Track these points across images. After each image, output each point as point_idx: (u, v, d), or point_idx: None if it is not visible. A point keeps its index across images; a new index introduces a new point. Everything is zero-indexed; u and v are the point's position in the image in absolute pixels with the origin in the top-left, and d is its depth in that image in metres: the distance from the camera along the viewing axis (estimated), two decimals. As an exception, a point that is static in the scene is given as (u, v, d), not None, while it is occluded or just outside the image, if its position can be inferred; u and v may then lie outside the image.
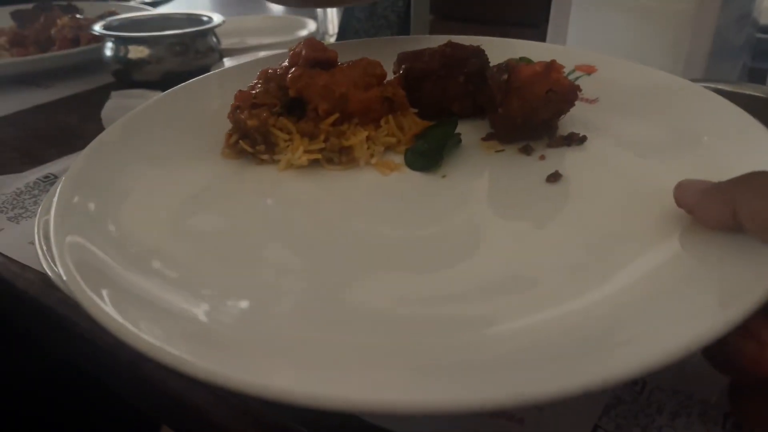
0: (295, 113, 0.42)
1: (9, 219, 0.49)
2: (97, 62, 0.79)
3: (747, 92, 0.46)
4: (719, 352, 0.26)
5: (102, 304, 0.26)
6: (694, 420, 0.29)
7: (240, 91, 0.42)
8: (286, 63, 0.44)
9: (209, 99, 0.48)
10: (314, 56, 0.43)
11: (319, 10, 0.93)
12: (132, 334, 0.25)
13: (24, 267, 0.43)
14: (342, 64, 0.43)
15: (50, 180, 0.55)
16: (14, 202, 0.52)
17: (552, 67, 0.41)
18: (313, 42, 0.44)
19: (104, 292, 0.27)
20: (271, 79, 0.43)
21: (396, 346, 0.26)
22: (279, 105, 0.42)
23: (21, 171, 0.57)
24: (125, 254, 0.31)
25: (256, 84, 0.43)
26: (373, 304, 0.29)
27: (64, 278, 0.28)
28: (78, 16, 0.93)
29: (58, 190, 0.35)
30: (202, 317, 0.28)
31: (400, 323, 0.27)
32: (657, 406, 0.30)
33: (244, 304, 0.29)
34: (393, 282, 0.31)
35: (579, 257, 0.31)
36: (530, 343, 0.25)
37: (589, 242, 0.32)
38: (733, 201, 0.27)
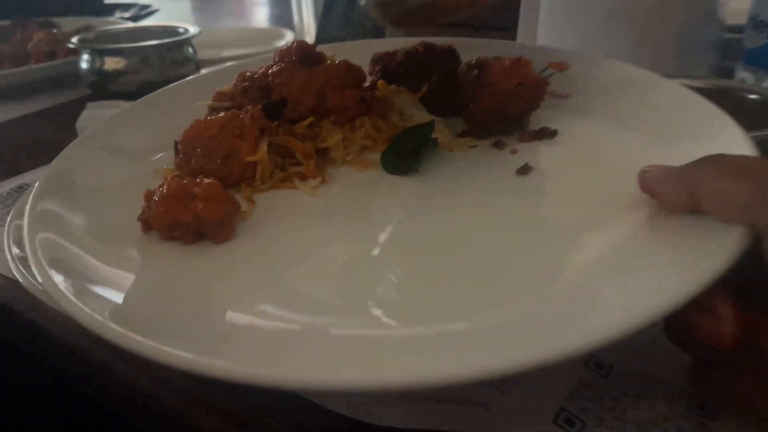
0: (273, 116, 0.42)
1: (-19, 229, 0.49)
2: (74, 75, 0.79)
3: (707, 86, 0.47)
4: (679, 329, 0.26)
5: (71, 296, 0.27)
6: (658, 401, 0.29)
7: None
8: (264, 66, 0.44)
9: (182, 104, 0.48)
10: (306, 48, 0.44)
11: (296, 19, 0.94)
12: (98, 323, 0.26)
13: (-5, 275, 0.43)
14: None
15: (24, 189, 0.55)
16: (-13, 212, 0.51)
17: (520, 62, 0.41)
18: (304, 41, 0.45)
19: (74, 285, 0.28)
20: (250, 80, 0.43)
21: (382, 328, 0.27)
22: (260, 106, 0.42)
23: (-5, 182, 0.56)
24: (96, 250, 0.32)
25: (236, 85, 0.44)
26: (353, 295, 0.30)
27: (35, 271, 0.29)
28: (54, 31, 0.93)
29: (32, 192, 0.35)
30: (173, 307, 0.29)
31: (384, 306, 0.29)
32: (622, 390, 0.30)
33: (221, 294, 0.30)
34: (373, 275, 0.32)
35: (546, 243, 0.32)
36: (504, 319, 0.26)
37: (557, 229, 0.33)
38: (692, 183, 0.28)
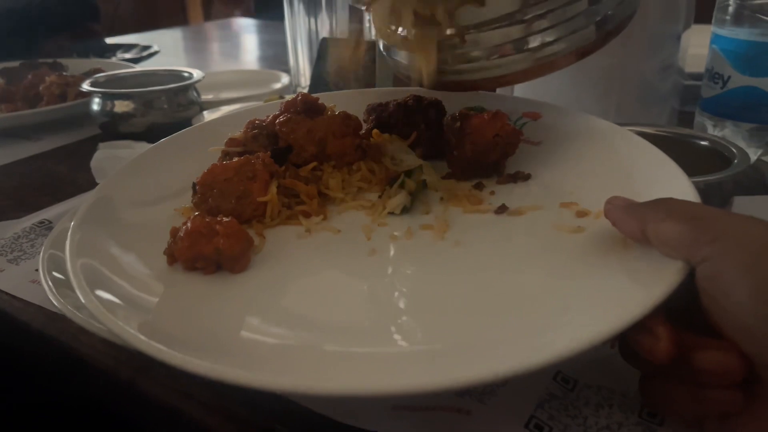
0: (280, 161, 0.48)
1: (9, 261, 0.53)
2: (84, 116, 0.84)
3: (664, 133, 0.53)
4: (629, 348, 0.32)
5: (110, 315, 0.32)
6: (614, 410, 0.34)
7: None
8: (272, 114, 0.50)
9: (195, 149, 0.52)
10: (309, 100, 0.49)
11: (291, 63, 0.99)
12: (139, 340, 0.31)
13: (27, 303, 0.48)
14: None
15: (45, 225, 0.59)
16: (13, 245, 0.56)
17: (497, 115, 0.47)
18: (308, 94, 0.50)
19: (111, 305, 0.34)
20: (259, 128, 0.49)
21: (371, 346, 0.33)
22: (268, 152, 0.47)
23: (17, 217, 0.61)
24: (128, 278, 0.37)
25: (246, 132, 0.49)
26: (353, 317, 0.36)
27: (78, 290, 0.34)
28: (63, 73, 0.98)
29: (72, 222, 0.40)
30: (197, 326, 0.34)
31: (374, 327, 0.34)
32: (584, 400, 0.35)
33: (237, 316, 0.36)
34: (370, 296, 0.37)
35: (518, 273, 0.38)
36: (478, 339, 0.32)
37: (528, 261, 0.39)
38: (643, 219, 0.33)
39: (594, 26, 0.46)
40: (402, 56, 0.52)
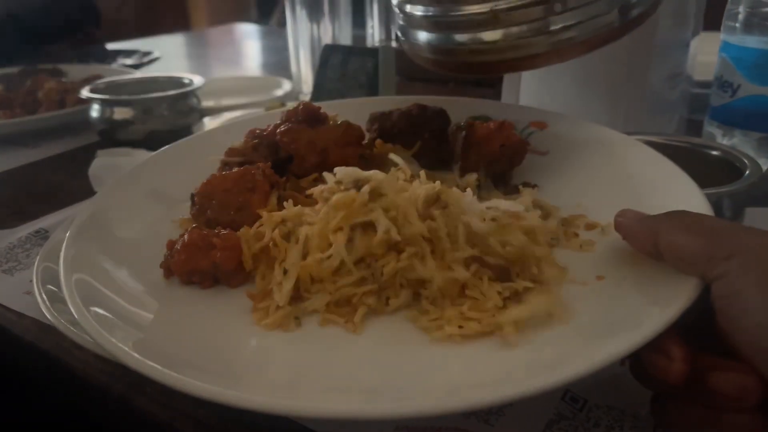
0: (280, 171, 0.46)
1: (3, 272, 0.52)
2: (83, 122, 0.83)
3: (674, 143, 0.52)
4: (641, 368, 0.30)
5: (104, 332, 0.31)
6: (626, 431, 0.33)
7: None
8: (273, 123, 0.49)
9: (194, 158, 0.51)
10: (311, 109, 0.48)
11: (294, 69, 0.99)
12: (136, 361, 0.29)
13: (20, 315, 0.46)
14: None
15: (41, 234, 0.58)
16: (8, 255, 0.55)
17: (503, 125, 0.46)
18: (309, 103, 0.49)
19: (105, 322, 0.32)
20: (259, 137, 0.47)
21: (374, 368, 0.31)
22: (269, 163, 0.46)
23: (13, 226, 0.60)
24: (123, 292, 0.36)
25: (246, 142, 0.48)
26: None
27: (72, 307, 0.33)
28: (63, 80, 0.97)
29: (66, 237, 0.39)
30: (193, 344, 0.33)
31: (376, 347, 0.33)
32: (594, 421, 0.34)
33: (235, 333, 0.35)
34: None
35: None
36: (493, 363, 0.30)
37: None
38: (656, 233, 0.32)
39: (617, 12, 0.45)
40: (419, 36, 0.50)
